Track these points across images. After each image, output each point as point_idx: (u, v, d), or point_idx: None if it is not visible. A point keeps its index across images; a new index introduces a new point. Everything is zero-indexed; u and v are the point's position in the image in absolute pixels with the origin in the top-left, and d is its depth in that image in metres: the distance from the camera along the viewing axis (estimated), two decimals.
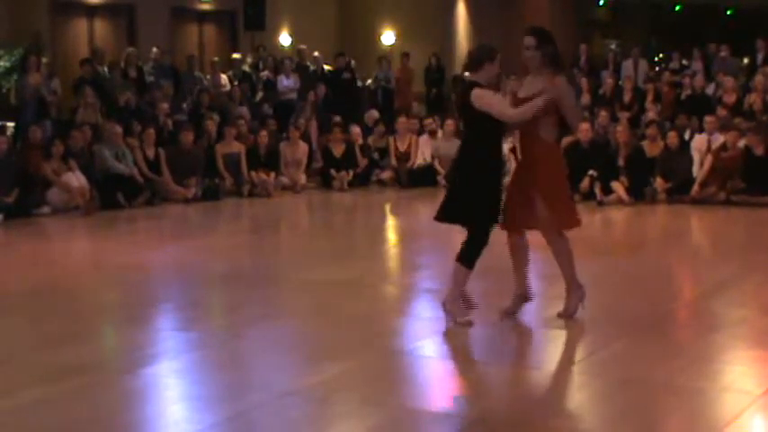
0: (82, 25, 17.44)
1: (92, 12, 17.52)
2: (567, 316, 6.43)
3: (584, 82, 17.19)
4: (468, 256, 6.27)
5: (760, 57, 17.81)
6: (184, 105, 15.37)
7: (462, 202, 6.23)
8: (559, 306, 6.66)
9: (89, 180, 12.18)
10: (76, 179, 12.04)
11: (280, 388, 5.10)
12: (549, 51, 6.23)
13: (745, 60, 18.50)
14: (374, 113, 16.62)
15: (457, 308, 6.28)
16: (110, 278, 8.25)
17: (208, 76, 16.66)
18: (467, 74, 6.18)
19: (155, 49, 16.16)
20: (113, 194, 12.23)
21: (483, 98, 6.09)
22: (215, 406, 4.92)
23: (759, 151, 12.23)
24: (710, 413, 4.84)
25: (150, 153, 13.09)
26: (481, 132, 6.18)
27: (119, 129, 12.86)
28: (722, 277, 7.82)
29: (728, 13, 28.25)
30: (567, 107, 6.27)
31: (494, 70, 6.24)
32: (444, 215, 6.35)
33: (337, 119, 15.57)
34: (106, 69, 14.95)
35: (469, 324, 6.23)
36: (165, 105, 14.52)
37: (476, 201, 6.20)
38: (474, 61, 6.34)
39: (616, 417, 4.79)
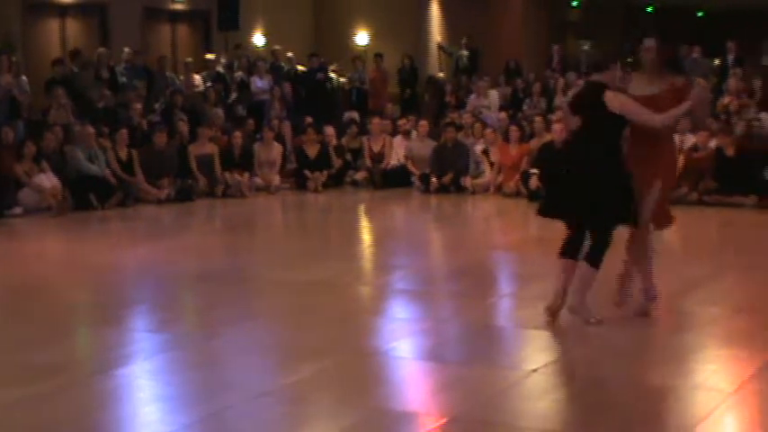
0: (54, 25, 17.30)
1: (63, 11, 17.38)
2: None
3: (560, 82, 17.28)
4: (595, 258, 6.23)
5: (731, 58, 17.96)
6: (156, 106, 15.30)
7: (591, 202, 6.18)
8: (533, 306, 6.68)
9: (61, 181, 12.10)
10: (48, 180, 11.97)
11: (254, 388, 5.10)
12: (668, 54, 6.44)
13: (716, 61, 18.63)
14: (353, 114, 16.68)
15: (585, 309, 6.26)
16: (82, 279, 8.20)
17: (181, 77, 16.57)
18: (595, 75, 6.27)
19: (126, 50, 16.07)
20: (86, 195, 12.15)
21: (624, 103, 6.14)
22: (188, 407, 4.90)
23: (730, 152, 12.33)
24: (682, 411, 4.88)
25: (123, 154, 13.02)
26: (605, 132, 6.19)
27: (91, 129, 12.79)
28: (694, 276, 7.87)
29: (699, 14, 28.44)
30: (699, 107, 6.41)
31: (617, 72, 6.30)
32: (563, 210, 6.28)
33: (309, 120, 15.55)
34: (78, 69, 14.85)
35: (600, 323, 6.21)
36: (139, 106, 14.45)
37: (605, 201, 6.17)
38: (600, 63, 6.44)
39: (589, 416, 4.82)
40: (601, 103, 6.14)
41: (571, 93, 6.53)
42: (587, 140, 6.26)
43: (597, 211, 6.20)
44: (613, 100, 6.14)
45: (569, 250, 6.29)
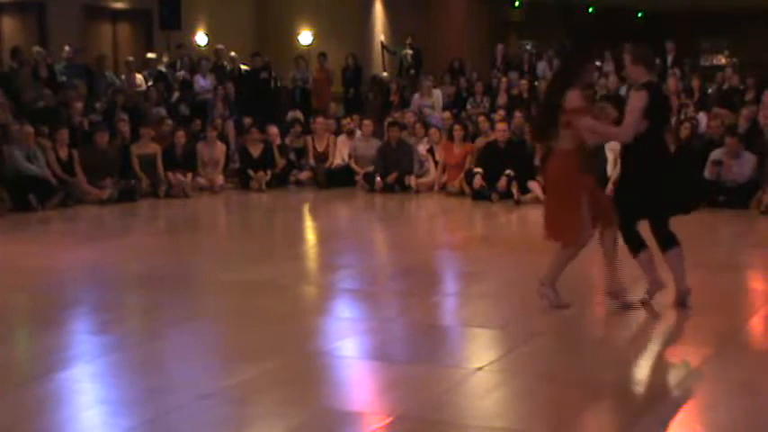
0: None
1: None
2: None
3: (503, 82, 17.40)
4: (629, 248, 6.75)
5: (669, 58, 18.24)
6: (98, 105, 15.11)
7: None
8: (478, 304, 6.71)
9: None
10: None
11: (198, 390, 5.05)
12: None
13: (656, 62, 18.89)
14: (297, 114, 16.65)
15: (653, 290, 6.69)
16: (22, 281, 8.05)
17: (123, 76, 16.39)
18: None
19: (67, 48, 15.86)
20: (25, 196, 11.97)
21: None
22: (131, 410, 4.85)
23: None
24: (625, 407, 4.93)
25: (63, 154, 12.85)
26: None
27: (30, 129, 12.59)
28: (634, 274, 7.94)
29: (639, 15, 28.84)
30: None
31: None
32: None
33: (248, 120, 15.45)
34: (16, 67, 14.63)
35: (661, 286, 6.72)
36: (79, 105, 14.26)
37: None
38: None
39: (533, 413, 4.85)
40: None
41: (643, 95, 6.72)
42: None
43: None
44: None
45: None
